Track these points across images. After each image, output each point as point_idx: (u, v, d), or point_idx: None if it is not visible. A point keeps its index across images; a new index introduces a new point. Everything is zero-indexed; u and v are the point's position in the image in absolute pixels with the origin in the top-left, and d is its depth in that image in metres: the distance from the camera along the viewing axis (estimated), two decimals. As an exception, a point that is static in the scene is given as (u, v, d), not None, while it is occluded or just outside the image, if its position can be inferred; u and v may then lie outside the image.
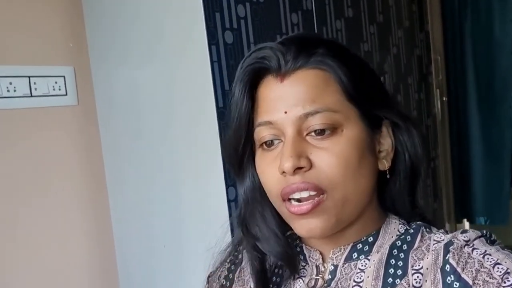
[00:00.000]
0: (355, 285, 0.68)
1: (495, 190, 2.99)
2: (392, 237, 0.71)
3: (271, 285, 0.74)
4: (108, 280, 1.72)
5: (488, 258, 0.61)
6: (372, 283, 0.67)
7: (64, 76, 1.62)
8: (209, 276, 0.84)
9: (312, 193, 0.65)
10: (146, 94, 1.54)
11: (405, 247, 0.69)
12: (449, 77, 3.06)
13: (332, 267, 0.71)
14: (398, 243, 0.70)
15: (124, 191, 1.68)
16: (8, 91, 1.49)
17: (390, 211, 0.75)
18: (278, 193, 0.67)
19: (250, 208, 0.75)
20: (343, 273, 0.70)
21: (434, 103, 2.79)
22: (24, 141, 1.53)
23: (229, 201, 1.34)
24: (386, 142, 0.71)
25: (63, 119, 1.63)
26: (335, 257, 0.72)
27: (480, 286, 0.60)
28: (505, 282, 0.58)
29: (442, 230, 0.71)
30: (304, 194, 0.65)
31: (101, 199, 1.71)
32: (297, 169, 0.64)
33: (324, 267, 0.72)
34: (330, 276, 0.71)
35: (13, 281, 1.49)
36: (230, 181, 1.34)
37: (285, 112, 0.65)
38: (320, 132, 0.65)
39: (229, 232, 0.84)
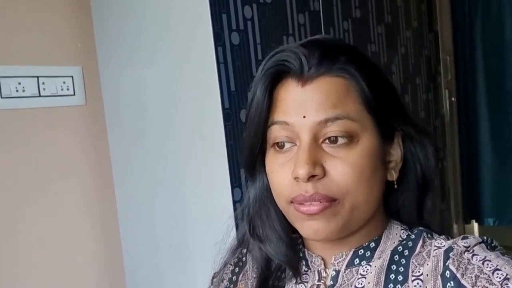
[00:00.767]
0: None
1: (504, 190, 2.97)
2: (394, 242, 0.71)
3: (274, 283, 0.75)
4: (115, 279, 1.74)
5: (488, 264, 0.61)
6: None
7: (72, 76, 1.63)
8: (213, 278, 0.85)
9: (324, 202, 0.65)
10: (153, 95, 1.55)
11: (406, 253, 0.69)
12: (458, 77, 3.05)
13: (334, 273, 0.72)
14: (400, 248, 0.70)
15: (131, 190, 1.69)
16: (17, 91, 1.50)
17: (392, 217, 0.75)
18: (288, 197, 0.67)
19: (257, 208, 0.75)
20: (345, 278, 0.70)
21: (442, 104, 2.78)
22: (33, 140, 1.55)
23: (234, 201, 1.34)
24: (396, 153, 0.71)
25: (71, 119, 1.64)
26: (337, 263, 0.72)
27: (479, 292, 0.60)
28: (504, 288, 0.58)
29: (444, 236, 0.71)
30: (315, 203, 0.65)
31: (108, 198, 1.72)
32: (311, 177, 0.64)
33: (326, 272, 0.72)
34: (332, 282, 0.71)
35: (19, 279, 1.51)
36: (236, 182, 1.34)
37: (304, 117, 0.65)
38: (336, 140, 0.65)
39: (234, 231, 0.84)
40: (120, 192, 1.72)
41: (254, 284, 0.76)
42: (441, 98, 2.75)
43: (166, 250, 1.59)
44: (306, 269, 0.75)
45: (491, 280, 0.59)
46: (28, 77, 1.53)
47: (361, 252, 0.71)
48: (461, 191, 3.07)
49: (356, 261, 0.71)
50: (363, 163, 0.65)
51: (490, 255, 0.62)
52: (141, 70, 1.56)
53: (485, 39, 2.96)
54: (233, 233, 0.84)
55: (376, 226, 0.72)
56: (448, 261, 0.64)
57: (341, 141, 0.65)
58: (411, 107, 2.38)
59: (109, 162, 1.72)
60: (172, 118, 1.51)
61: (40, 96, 1.55)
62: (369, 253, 0.71)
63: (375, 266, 0.69)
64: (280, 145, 0.68)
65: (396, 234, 0.72)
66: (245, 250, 0.82)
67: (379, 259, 0.70)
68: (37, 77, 1.55)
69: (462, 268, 0.62)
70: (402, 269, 0.68)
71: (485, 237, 0.67)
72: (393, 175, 0.71)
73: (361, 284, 0.69)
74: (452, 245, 0.66)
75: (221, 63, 1.35)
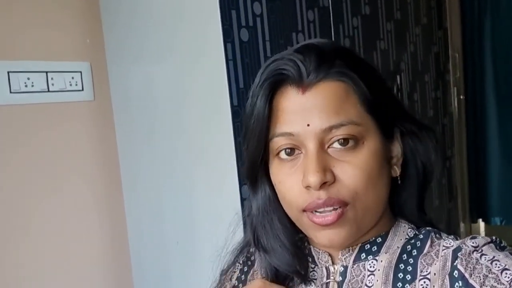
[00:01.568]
0: None
1: (511, 190, 2.96)
2: (401, 239, 0.71)
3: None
4: (122, 276, 1.74)
5: (496, 264, 0.61)
6: (382, 287, 0.68)
7: (80, 72, 1.64)
8: (221, 274, 0.85)
9: (336, 207, 0.65)
10: (161, 91, 1.55)
11: (415, 252, 0.69)
12: (467, 75, 3.03)
13: (342, 268, 0.72)
14: (408, 247, 0.70)
15: (138, 187, 1.69)
16: (26, 86, 1.51)
17: (399, 215, 0.75)
18: (300, 206, 0.67)
19: (260, 219, 0.75)
20: (353, 274, 0.71)
21: (451, 102, 2.76)
22: (41, 135, 1.55)
23: (242, 199, 1.34)
24: (396, 149, 0.72)
25: (79, 114, 1.65)
26: (344, 258, 0.72)
27: (488, 292, 0.60)
28: (513, 288, 0.58)
29: (452, 236, 0.71)
30: (329, 209, 0.65)
31: (116, 195, 1.73)
32: (323, 184, 0.64)
33: (334, 268, 0.73)
34: (341, 278, 0.71)
35: (27, 273, 1.51)
36: (244, 180, 1.34)
37: (308, 125, 0.65)
38: (343, 143, 0.65)
39: (241, 230, 0.85)
40: (128, 188, 1.73)
41: None
42: (449, 96, 2.73)
43: (173, 247, 1.59)
44: (313, 265, 0.75)
45: (499, 280, 0.59)
46: (37, 72, 1.53)
47: (367, 247, 0.71)
48: (468, 190, 3.06)
49: (363, 256, 0.71)
50: (371, 164, 0.66)
51: (499, 255, 0.62)
52: (150, 66, 1.56)
53: (494, 37, 2.94)
54: (240, 231, 0.85)
55: (383, 223, 0.72)
56: (457, 261, 0.64)
57: (347, 145, 0.65)
58: (419, 105, 2.37)
59: (117, 158, 1.72)
60: (180, 114, 1.51)
61: (48, 91, 1.56)
62: (375, 248, 0.71)
63: (382, 261, 0.70)
64: (287, 152, 0.67)
65: (403, 232, 0.72)
66: (253, 249, 0.81)
67: (386, 254, 0.70)
68: (46, 72, 1.55)
69: (470, 268, 0.62)
70: (410, 268, 0.68)
71: (494, 237, 0.67)
72: (396, 171, 0.71)
73: (371, 282, 0.69)
74: (461, 245, 0.66)
75: (230, 59, 1.35)
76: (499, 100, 2.95)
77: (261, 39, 1.44)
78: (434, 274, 0.66)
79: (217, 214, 1.43)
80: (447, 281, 0.64)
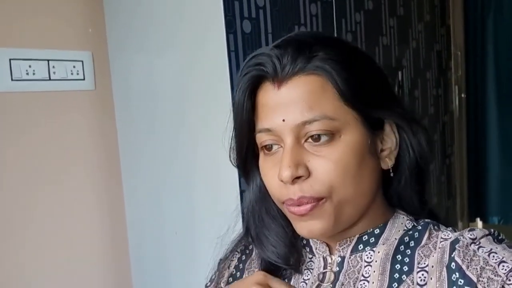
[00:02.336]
0: (363, 280, 0.69)
1: (510, 189, 2.96)
2: (399, 231, 0.72)
3: (280, 274, 0.75)
4: (120, 266, 1.74)
5: (493, 256, 0.61)
6: (379, 278, 0.68)
7: (82, 61, 1.63)
8: (219, 263, 0.85)
9: (312, 202, 0.65)
10: (163, 82, 1.55)
11: (412, 244, 0.70)
12: (468, 73, 3.02)
13: (340, 259, 0.72)
14: (406, 239, 0.71)
15: (138, 177, 1.69)
16: (27, 74, 1.51)
17: (397, 207, 0.75)
18: (279, 199, 0.68)
19: (252, 210, 0.77)
20: (350, 264, 0.71)
21: (452, 100, 2.76)
22: (42, 123, 1.55)
23: (241, 191, 1.34)
24: (390, 139, 0.71)
25: (80, 103, 1.65)
26: (342, 249, 0.72)
27: (484, 283, 0.60)
28: (509, 280, 0.58)
29: (451, 228, 0.71)
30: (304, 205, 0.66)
31: (115, 184, 1.73)
32: (296, 178, 0.64)
33: (331, 258, 0.73)
34: (338, 268, 0.72)
35: (26, 262, 1.52)
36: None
37: (283, 120, 0.65)
38: (318, 138, 0.65)
39: (240, 220, 0.85)
40: (127, 178, 1.73)
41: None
42: (450, 94, 2.73)
43: (171, 237, 1.60)
44: (310, 255, 0.75)
45: (496, 272, 0.60)
46: (38, 60, 1.53)
47: (365, 238, 0.71)
48: (467, 188, 3.06)
49: (360, 247, 0.71)
50: (347, 158, 0.65)
51: (496, 247, 0.63)
52: (151, 56, 1.56)
53: (497, 35, 2.93)
54: (239, 223, 0.85)
55: (378, 215, 0.72)
56: (454, 253, 0.64)
57: (322, 139, 0.65)
58: (420, 102, 2.37)
59: (117, 147, 1.72)
60: (181, 105, 1.51)
61: (50, 79, 1.56)
62: (373, 239, 0.71)
63: (379, 252, 0.70)
64: (268, 148, 0.69)
65: (402, 223, 0.72)
66: (251, 239, 0.82)
67: (384, 245, 0.70)
68: (48, 60, 1.55)
69: (468, 260, 0.63)
70: (408, 260, 0.68)
71: (492, 230, 0.67)
72: (388, 163, 0.70)
73: (367, 273, 0.69)
74: (459, 237, 0.66)
75: (232, 51, 1.35)
76: (500, 99, 2.94)
77: (264, 31, 1.44)
78: (432, 266, 0.66)
79: (216, 204, 1.44)
80: (444, 273, 0.64)
